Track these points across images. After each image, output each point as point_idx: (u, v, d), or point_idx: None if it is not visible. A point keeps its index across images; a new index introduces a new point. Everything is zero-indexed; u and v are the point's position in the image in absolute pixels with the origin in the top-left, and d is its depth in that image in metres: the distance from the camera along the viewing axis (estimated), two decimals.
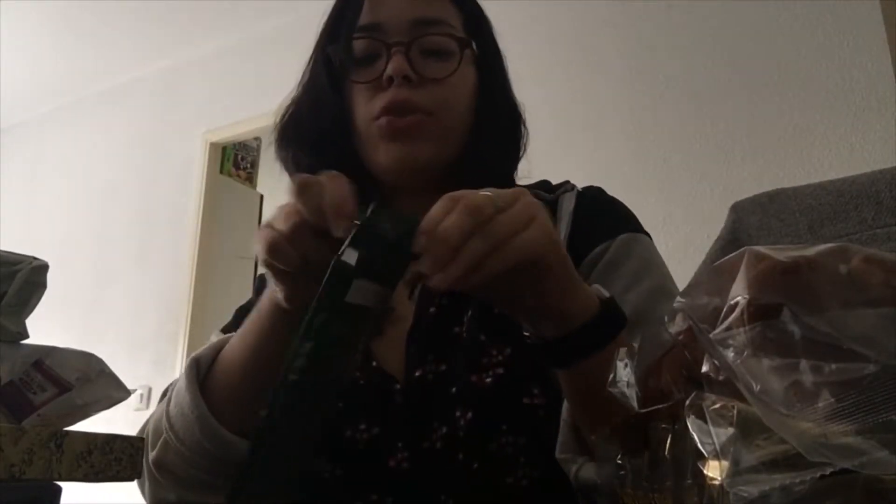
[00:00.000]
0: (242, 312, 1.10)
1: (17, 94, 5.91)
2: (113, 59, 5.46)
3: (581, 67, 3.55)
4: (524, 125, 1.10)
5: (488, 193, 0.65)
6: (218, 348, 0.88)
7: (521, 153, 1.10)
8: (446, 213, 0.62)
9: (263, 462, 0.59)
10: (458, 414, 0.87)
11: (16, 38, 5.17)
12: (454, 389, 0.89)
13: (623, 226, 1.00)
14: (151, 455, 0.86)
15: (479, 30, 1.07)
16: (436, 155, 0.99)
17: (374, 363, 0.95)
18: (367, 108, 0.99)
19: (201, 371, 0.86)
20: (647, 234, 1.02)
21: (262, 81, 4.86)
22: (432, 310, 0.97)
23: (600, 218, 1.01)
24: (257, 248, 0.69)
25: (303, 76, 1.09)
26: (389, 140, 0.98)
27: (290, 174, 1.06)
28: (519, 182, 1.10)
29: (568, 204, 1.01)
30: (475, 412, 0.87)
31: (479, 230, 0.61)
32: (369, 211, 0.63)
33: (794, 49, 3.09)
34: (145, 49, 5.33)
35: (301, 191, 0.66)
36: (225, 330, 1.07)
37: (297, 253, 0.66)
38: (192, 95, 5.30)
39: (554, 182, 1.11)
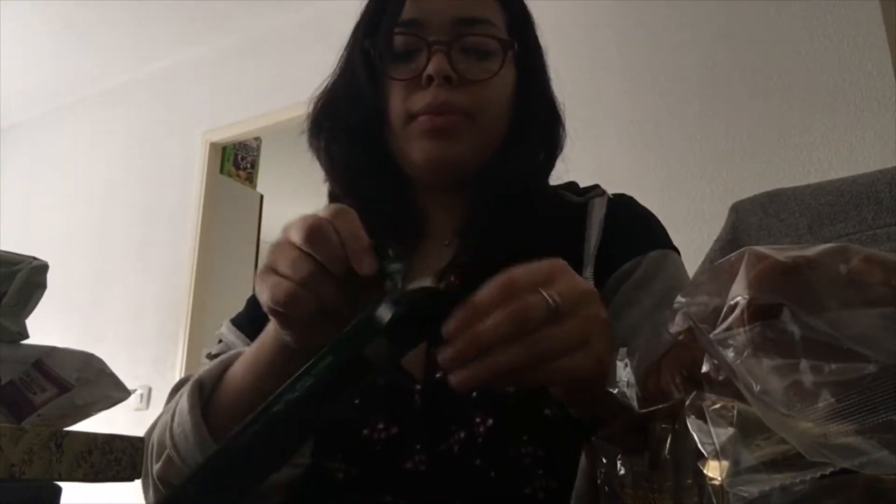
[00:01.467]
0: (255, 302, 1.09)
1: (17, 94, 5.90)
2: (113, 59, 5.45)
3: (582, 67, 3.55)
4: (563, 127, 1.09)
5: (547, 297, 0.58)
6: (222, 369, 0.86)
7: (558, 152, 1.08)
8: (492, 305, 0.57)
9: (214, 476, 0.58)
10: (477, 420, 0.86)
11: (16, 39, 5.16)
12: (475, 394, 0.87)
13: (655, 242, 0.99)
14: (155, 468, 0.85)
15: (524, 29, 1.05)
16: (471, 156, 0.99)
17: None
18: (403, 105, 0.98)
19: (204, 394, 0.85)
20: (677, 250, 1.01)
21: (262, 81, 4.86)
22: None
23: (632, 231, 1.00)
24: (263, 296, 0.67)
25: (337, 66, 1.07)
26: (427, 138, 0.97)
27: (323, 164, 1.06)
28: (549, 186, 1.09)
29: (599, 210, 1.00)
30: (496, 419, 0.86)
31: (522, 339, 0.57)
32: (391, 253, 0.62)
33: (794, 49, 3.09)
34: (145, 49, 5.33)
35: (312, 237, 0.64)
36: (236, 321, 1.06)
37: (314, 301, 0.65)
38: (192, 95, 5.29)
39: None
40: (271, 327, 0.76)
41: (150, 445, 0.88)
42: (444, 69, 0.95)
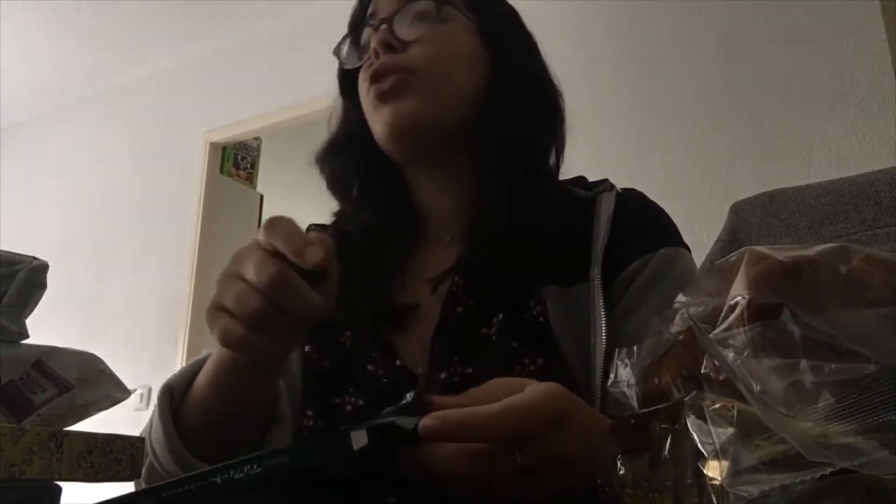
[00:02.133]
0: None
1: (17, 94, 5.91)
2: (113, 59, 5.46)
3: (580, 67, 3.54)
4: (558, 107, 1.08)
5: (519, 459, 0.55)
6: (192, 374, 0.86)
7: (556, 134, 1.07)
8: (467, 435, 0.55)
9: None
10: None
11: (16, 38, 5.17)
12: None
13: (665, 239, 0.97)
14: (143, 470, 0.86)
15: (484, 3, 1.05)
16: (427, 111, 0.97)
17: (398, 361, 0.93)
18: (365, 90, 1.00)
19: (175, 399, 0.85)
20: (687, 247, 0.99)
21: (262, 81, 4.86)
22: (459, 309, 0.94)
23: (642, 228, 0.98)
24: (215, 336, 0.69)
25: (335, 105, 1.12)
26: (378, 108, 0.98)
27: (331, 190, 1.09)
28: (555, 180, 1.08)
29: (608, 205, 0.98)
30: None
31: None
32: (407, 398, 0.60)
33: (794, 49, 3.09)
34: (145, 49, 5.33)
35: (257, 268, 0.66)
36: None
37: (265, 341, 0.67)
38: (192, 95, 5.29)
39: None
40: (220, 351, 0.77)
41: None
42: (383, 39, 0.96)
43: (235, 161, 5.45)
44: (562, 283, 0.91)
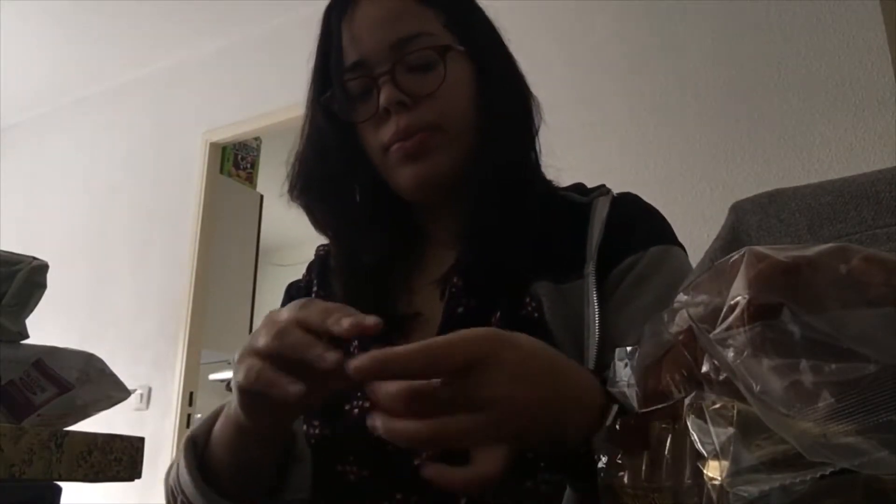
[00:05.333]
0: (293, 291, 1.13)
1: (17, 94, 5.90)
2: (113, 58, 5.45)
3: (582, 65, 3.55)
4: (534, 108, 1.08)
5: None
6: (211, 423, 0.87)
7: (534, 134, 1.08)
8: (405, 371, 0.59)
9: None
10: None
11: (15, 38, 5.16)
12: None
13: (656, 237, 0.99)
14: None
15: (465, 22, 1.04)
16: (453, 164, 0.99)
17: None
18: (376, 140, 0.99)
19: (199, 449, 0.86)
20: (682, 247, 1.01)
21: (262, 81, 4.86)
22: (460, 310, 0.96)
23: (634, 227, 0.99)
24: (238, 377, 0.69)
25: (302, 129, 1.09)
26: (405, 165, 0.98)
27: (312, 221, 1.08)
28: (550, 185, 1.09)
29: (602, 209, 0.99)
30: None
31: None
32: None
33: (794, 49, 3.09)
34: (145, 49, 5.33)
35: (282, 346, 0.66)
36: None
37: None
38: (192, 95, 5.29)
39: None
40: (233, 405, 0.78)
41: (169, 491, 0.89)
42: (394, 96, 0.96)
43: (235, 161, 5.45)
44: (556, 279, 0.93)
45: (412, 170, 0.98)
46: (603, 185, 1.07)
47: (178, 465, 0.87)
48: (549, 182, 1.09)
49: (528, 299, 0.92)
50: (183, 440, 0.87)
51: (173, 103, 5.39)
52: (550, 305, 0.91)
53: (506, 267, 0.95)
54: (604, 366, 0.85)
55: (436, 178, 0.99)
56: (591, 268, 0.93)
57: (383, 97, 0.96)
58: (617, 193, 1.06)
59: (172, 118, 5.36)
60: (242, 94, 4.97)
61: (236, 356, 0.70)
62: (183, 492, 0.84)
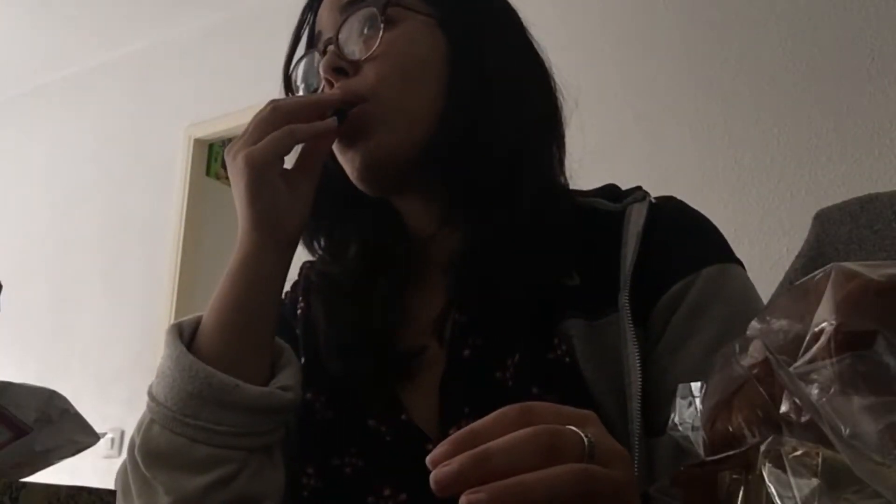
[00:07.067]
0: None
1: None
2: (79, 40, 5.49)
3: (636, 49, 3.54)
4: (548, 93, 1.05)
5: (583, 436, 0.57)
6: (198, 318, 0.92)
7: (554, 129, 1.05)
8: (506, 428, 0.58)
9: None
10: None
11: None
12: None
13: (709, 254, 0.94)
14: (138, 455, 0.89)
15: None
16: (396, 140, 0.96)
17: (404, 416, 0.94)
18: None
19: (185, 335, 0.90)
20: (740, 262, 0.96)
21: (254, 67, 4.88)
22: (466, 352, 0.94)
23: (679, 242, 0.95)
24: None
25: None
26: (342, 151, 0.99)
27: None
28: (573, 188, 1.06)
29: (637, 219, 0.95)
30: None
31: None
32: None
33: (891, 30, 3.07)
34: (117, 29, 5.36)
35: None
36: None
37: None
38: (173, 83, 5.33)
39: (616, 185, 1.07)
40: (242, 260, 0.97)
41: (117, 486, 0.89)
42: (331, 63, 0.96)
43: (223, 161, 5.48)
44: (588, 314, 0.91)
45: (350, 157, 0.97)
46: (639, 188, 1.03)
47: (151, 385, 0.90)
48: (566, 187, 1.06)
49: (556, 340, 0.90)
50: (167, 331, 0.91)
51: (150, 93, 5.43)
52: (583, 348, 0.89)
53: (510, 297, 0.93)
54: (653, 423, 0.84)
55: (378, 162, 0.96)
56: (624, 298, 0.90)
57: (322, 66, 0.97)
58: (655, 198, 1.01)
59: (150, 110, 5.39)
60: (231, 81, 5.00)
61: (230, 155, 0.95)
62: (152, 397, 0.88)
